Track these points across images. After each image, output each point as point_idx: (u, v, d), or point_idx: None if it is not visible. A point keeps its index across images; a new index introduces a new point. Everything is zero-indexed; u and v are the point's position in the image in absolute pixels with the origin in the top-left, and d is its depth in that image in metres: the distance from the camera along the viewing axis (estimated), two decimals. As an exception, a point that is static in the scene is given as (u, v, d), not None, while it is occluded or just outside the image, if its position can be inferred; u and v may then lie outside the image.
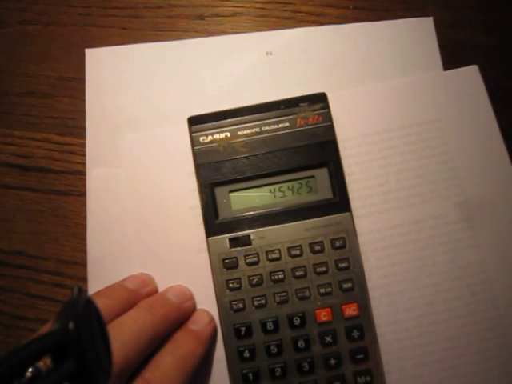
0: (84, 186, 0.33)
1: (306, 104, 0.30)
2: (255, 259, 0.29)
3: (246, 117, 0.30)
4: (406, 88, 0.33)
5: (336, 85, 0.34)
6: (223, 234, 0.29)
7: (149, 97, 0.34)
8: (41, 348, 0.15)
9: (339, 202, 0.29)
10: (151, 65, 0.35)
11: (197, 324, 0.28)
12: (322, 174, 0.30)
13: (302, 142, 0.30)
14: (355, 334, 0.28)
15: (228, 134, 0.30)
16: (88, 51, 0.35)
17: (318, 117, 0.30)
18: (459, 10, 0.35)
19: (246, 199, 0.30)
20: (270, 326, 0.28)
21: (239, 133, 0.30)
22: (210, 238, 0.29)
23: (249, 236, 0.29)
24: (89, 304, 0.18)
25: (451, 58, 0.34)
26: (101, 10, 0.36)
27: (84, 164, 0.33)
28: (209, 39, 0.35)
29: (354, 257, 0.29)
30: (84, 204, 0.32)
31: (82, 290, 0.18)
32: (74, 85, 0.35)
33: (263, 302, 0.28)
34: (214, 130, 0.30)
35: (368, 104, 0.33)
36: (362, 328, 0.28)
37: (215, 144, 0.30)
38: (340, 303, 0.28)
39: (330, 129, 0.30)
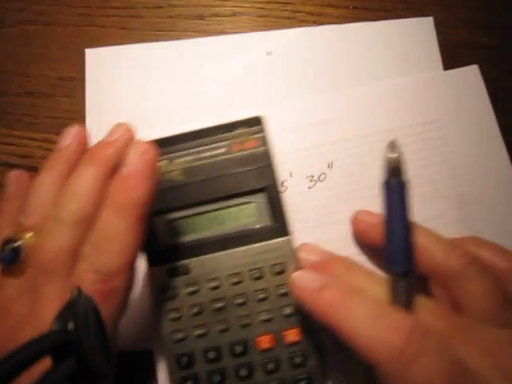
0: (84, 186, 0.33)
1: (242, 128, 0.29)
2: (195, 288, 0.28)
3: (182, 144, 0.29)
4: (406, 88, 0.33)
5: (336, 85, 0.34)
6: (163, 263, 0.28)
7: (149, 97, 0.34)
8: (41, 348, 0.15)
9: (278, 226, 0.28)
10: (151, 65, 0.35)
11: (127, 163, 0.24)
12: (260, 200, 0.29)
13: (238, 168, 0.29)
14: (297, 360, 0.27)
15: (165, 163, 0.29)
16: (88, 51, 0.35)
17: (254, 141, 0.29)
18: (459, 9, 0.35)
19: (184, 227, 0.29)
20: (212, 355, 0.27)
21: (176, 161, 0.29)
22: (150, 268, 0.28)
23: (188, 265, 0.28)
24: (89, 304, 0.18)
25: (451, 58, 0.34)
26: (100, 9, 0.36)
27: (84, 164, 0.33)
28: (208, 39, 0.35)
29: None
30: (84, 204, 0.32)
31: (82, 290, 0.18)
32: (74, 85, 0.35)
33: (205, 331, 0.27)
34: None
35: (368, 104, 0.33)
36: (304, 354, 0.27)
37: None
38: (281, 329, 0.27)
39: (266, 153, 0.29)
